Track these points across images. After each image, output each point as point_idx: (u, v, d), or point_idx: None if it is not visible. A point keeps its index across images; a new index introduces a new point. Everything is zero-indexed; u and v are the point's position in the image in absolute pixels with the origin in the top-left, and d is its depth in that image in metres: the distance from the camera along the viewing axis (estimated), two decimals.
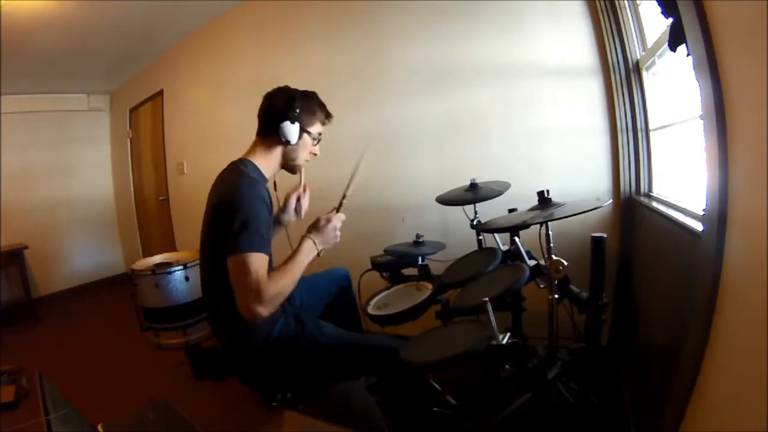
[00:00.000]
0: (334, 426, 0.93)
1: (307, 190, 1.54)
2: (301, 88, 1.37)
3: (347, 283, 1.70)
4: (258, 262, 1.12)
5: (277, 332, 1.28)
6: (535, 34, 2.11)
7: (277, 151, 1.35)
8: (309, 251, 1.24)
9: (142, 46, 3.60)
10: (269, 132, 1.32)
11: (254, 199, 1.20)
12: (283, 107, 1.29)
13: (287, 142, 1.31)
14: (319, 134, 1.39)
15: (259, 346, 1.27)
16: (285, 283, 1.17)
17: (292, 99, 1.30)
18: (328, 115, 1.40)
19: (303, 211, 1.54)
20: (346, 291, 1.68)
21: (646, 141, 1.92)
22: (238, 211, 1.15)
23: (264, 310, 1.10)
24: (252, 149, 1.36)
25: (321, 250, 1.27)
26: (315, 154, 1.41)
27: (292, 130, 1.29)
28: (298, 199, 1.53)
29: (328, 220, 1.29)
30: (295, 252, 1.24)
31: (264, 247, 1.15)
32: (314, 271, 1.48)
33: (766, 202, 0.66)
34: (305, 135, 1.34)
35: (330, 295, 1.64)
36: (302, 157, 1.38)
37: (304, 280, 1.27)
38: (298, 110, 1.29)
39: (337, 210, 1.36)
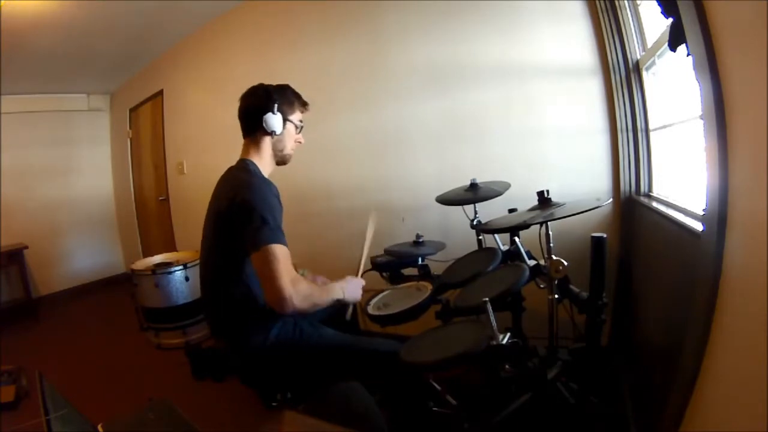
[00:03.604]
0: (334, 426, 0.93)
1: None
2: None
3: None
4: (285, 253, 1.17)
5: (274, 335, 1.29)
6: (535, 35, 2.11)
7: (267, 146, 1.39)
8: (335, 291, 1.30)
9: (142, 46, 3.60)
10: (254, 129, 1.37)
11: (269, 195, 1.24)
12: (263, 101, 1.34)
13: (273, 133, 1.35)
14: (300, 122, 1.44)
15: (256, 347, 1.28)
16: (313, 292, 1.21)
17: (269, 93, 1.36)
18: (304, 104, 1.45)
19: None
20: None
21: (646, 141, 1.92)
22: (255, 208, 1.18)
23: (296, 299, 1.13)
24: (245, 151, 1.40)
25: (343, 297, 1.32)
26: (300, 143, 1.46)
27: (275, 120, 1.34)
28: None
29: (355, 278, 1.39)
30: (325, 285, 1.32)
31: (285, 242, 1.19)
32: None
33: (766, 202, 0.66)
34: (288, 123, 1.39)
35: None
36: (289, 146, 1.43)
37: None
38: (276, 102, 1.34)
39: (360, 274, 1.47)
